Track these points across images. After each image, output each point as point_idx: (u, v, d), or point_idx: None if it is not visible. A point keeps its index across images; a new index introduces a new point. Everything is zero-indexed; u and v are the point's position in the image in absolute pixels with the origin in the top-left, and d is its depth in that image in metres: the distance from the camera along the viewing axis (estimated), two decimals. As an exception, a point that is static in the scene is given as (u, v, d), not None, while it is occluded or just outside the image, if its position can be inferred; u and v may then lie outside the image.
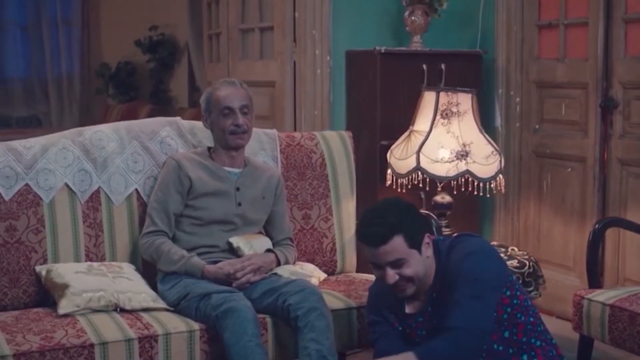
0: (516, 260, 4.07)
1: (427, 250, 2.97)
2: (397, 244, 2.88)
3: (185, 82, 8.54)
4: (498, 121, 5.17)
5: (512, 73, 5.08)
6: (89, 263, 3.45)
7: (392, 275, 2.91)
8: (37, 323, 3.11)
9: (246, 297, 3.26)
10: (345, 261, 3.98)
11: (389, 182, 4.24)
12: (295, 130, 5.02)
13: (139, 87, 9.22)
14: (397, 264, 2.90)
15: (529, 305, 3.09)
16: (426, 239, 2.96)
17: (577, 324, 3.60)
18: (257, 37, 5.32)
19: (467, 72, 5.03)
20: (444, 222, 4.22)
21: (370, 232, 2.90)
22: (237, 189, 3.56)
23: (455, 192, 4.10)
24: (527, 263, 4.06)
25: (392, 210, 2.94)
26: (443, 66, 4.90)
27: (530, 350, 3.02)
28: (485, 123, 5.10)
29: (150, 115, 8.30)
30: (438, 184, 4.09)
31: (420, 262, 2.93)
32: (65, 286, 3.23)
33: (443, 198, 4.21)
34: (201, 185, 3.51)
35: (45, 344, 2.94)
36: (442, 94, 4.14)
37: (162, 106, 8.46)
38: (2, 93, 8.96)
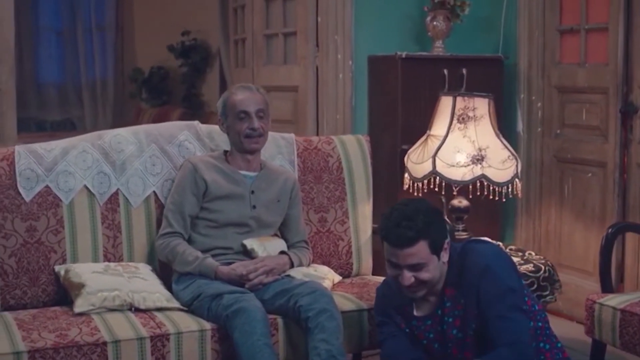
0: (532, 265, 4.08)
1: (445, 256, 2.98)
2: (421, 249, 2.90)
3: (217, 87, 8.61)
4: (520, 126, 5.18)
5: (533, 78, 5.09)
6: (106, 263, 3.53)
7: (408, 277, 2.93)
8: (53, 321, 3.19)
9: (258, 298, 3.32)
10: (361, 264, 4.02)
11: (406, 186, 4.27)
12: (317, 134, 5.07)
13: (171, 91, 9.32)
14: (417, 267, 2.92)
15: (536, 310, 3.11)
16: (445, 245, 2.98)
17: (589, 328, 3.62)
18: (280, 43, 5.39)
19: (489, 77, 5.05)
20: (461, 226, 4.25)
21: (397, 233, 2.90)
22: (252, 192, 3.62)
23: (470, 197, 4.12)
24: (543, 267, 4.07)
25: (421, 213, 2.94)
26: (464, 71, 4.91)
27: (540, 354, 3.06)
28: (507, 128, 5.14)
29: (181, 118, 8.41)
30: (454, 188, 4.11)
31: (437, 268, 2.96)
32: (81, 285, 3.31)
33: (460, 202, 4.23)
34: (216, 188, 3.57)
35: (59, 341, 3.02)
36: (458, 98, 4.17)
37: (194, 110, 8.55)
38: (37, 97, 9.12)
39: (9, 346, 2.97)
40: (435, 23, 5.06)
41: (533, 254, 4.30)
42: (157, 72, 9.26)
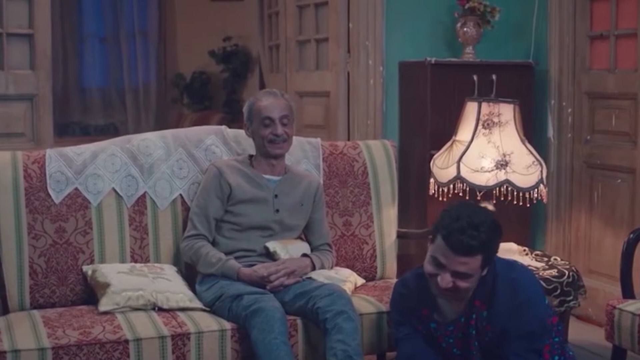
0: (556, 270, 4.08)
1: (486, 270, 2.99)
2: (476, 261, 2.91)
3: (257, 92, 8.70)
4: (550, 132, 5.18)
5: (564, 84, 5.09)
6: (132, 264, 3.62)
7: (448, 281, 2.92)
8: (78, 319, 3.28)
9: (279, 300, 3.39)
10: (386, 267, 4.07)
11: (432, 191, 4.30)
12: (348, 139, 5.13)
13: (212, 96, 9.43)
14: (462, 276, 2.92)
15: (553, 325, 3.14)
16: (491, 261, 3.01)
17: (609, 333, 3.62)
18: (313, 49, 5.45)
19: (519, 83, 5.07)
20: (486, 231, 4.26)
21: (461, 240, 2.87)
22: (276, 196, 3.68)
23: (494, 202, 4.14)
24: (567, 273, 4.07)
25: (487, 226, 2.92)
26: (494, 77, 4.94)
27: None
28: (538, 134, 5.16)
29: (220, 123, 8.51)
30: (478, 193, 4.14)
31: (477, 280, 2.97)
32: (107, 285, 3.41)
33: (486, 207, 4.25)
34: (240, 192, 3.65)
35: (82, 338, 3.11)
36: (484, 104, 4.20)
37: (233, 115, 8.64)
38: (81, 102, 9.27)
39: (34, 343, 3.07)
40: (465, 29, 5.08)
41: (558, 259, 4.31)
42: (199, 78, 9.37)
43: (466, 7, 5.05)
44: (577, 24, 5.02)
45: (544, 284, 3.96)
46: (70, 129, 9.06)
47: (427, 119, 4.93)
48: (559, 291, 4.01)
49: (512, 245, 4.46)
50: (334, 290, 3.36)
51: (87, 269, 3.56)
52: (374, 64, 5.13)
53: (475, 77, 4.94)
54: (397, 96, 5.22)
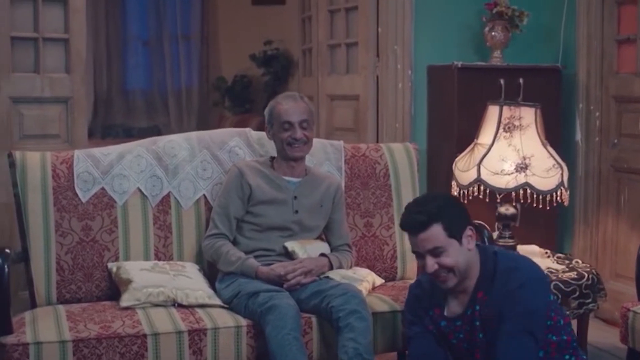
0: (575, 272, 4.12)
1: (470, 243, 3.07)
2: (436, 232, 3.02)
3: (297, 95, 8.80)
4: (578, 135, 5.20)
5: (591, 88, 5.10)
6: (155, 262, 3.73)
7: (432, 264, 3.04)
8: (100, 314, 3.40)
9: (295, 298, 3.48)
10: (406, 268, 4.13)
11: (455, 193, 4.36)
12: (377, 142, 5.20)
13: (253, 99, 9.55)
14: (436, 252, 3.02)
15: (561, 325, 3.15)
16: (468, 232, 3.08)
17: (624, 335, 3.65)
18: (343, 53, 5.53)
19: (546, 86, 5.10)
20: (507, 234, 4.31)
21: (410, 220, 3.06)
22: (295, 197, 3.77)
23: (514, 204, 4.18)
24: (587, 275, 4.11)
25: (432, 199, 3.12)
26: (521, 81, 4.97)
27: None
28: (566, 137, 5.18)
29: (259, 127, 8.63)
30: (497, 196, 4.19)
31: (460, 253, 3.05)
32: (129, 281, 3.53)
33: (507, 210, 4.30)
34: (260, 193, 3.74)
35: (102, 332, 3.23)
36: (505, 108, 4.25)
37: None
38: (125, 104, 9.47)
39: (55, 335, 3.19)
40: (493, 33, 5.13)
41: (580, 262, 4.34)
42: (240, 81, 9.50)
43: (494, 11, 5.10)
44: (605, 27, 5.03)
45: (562, 287, 4.02)
46: (113, 131, 9.25)
47: (453, 122, 4.98)
48: (577, 293, 4.06)
49: (535, 248, 4.51)
50: (347, 290, 3.43)
51: (112, 266, 3.68)
52: (403, 67, 5.20)
53: (502, 81, 4.97)
54: (425, 100, 5.28)
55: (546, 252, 4.45)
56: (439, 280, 3.08)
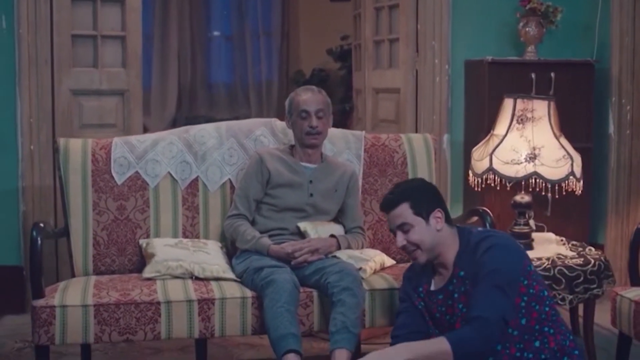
0: (582, 259, 4.29)
1: (438, 224, 3.35)
2: (403, 210, 3.35)
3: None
4: (611, 128, 5.35)
5: (623, 82, 5.25)
6: (179, 239, 4.11)
7: (401, 239, 3.38)
8: (123, 283, 3.80)
9: (300, 274, 3.81)
10: (419, 250, 4.38)
11: (471, 182, 4.59)
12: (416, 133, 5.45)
13: (331, 93, 9.82)
14: (404, 228, 3.35)
15: (544, 296, 3.35)
16: (436, 214, 3.36)
17: (613, 318, 3.83)
18: (386, 48, 5.81)
19: (579, 81, 5.28)
20: (522, 221, 4.52)
21: (385, 200, 3.45)
22: (310, 181, 4.09)
23: (522, 192, 4.40)
24: (594, 262, 4.28)
25: (406, 183, 3.60)
26: (552, 75, 5.17)
27: (543, 337, 3.28)
28: (598, 130, 5.35)
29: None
30: (507, 184, 4.41)
31: (426, 232, 3.34)
32: (152, 255, 3.92)
33: (522, 198, 4.51)
34: (278, 176, 4.07)
35: (121, 298, 3.63)
36: (518, 100, 4.46)
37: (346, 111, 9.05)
38: (208, 97, 9.92)
39: (80, 300, 3.60)
40: (527, 29, 5.33)
41: (593, 249, 4.50)
42: (318, 74, 9.82)
43: (527, 7, 5.29)
44: (637, 23, 5.18)
45: (566, 272, 4.22)
46: (197, 122, 9.64)
47: (485, 115, 5.20)
48: (582, 279, 4.23)
49: (551, 235, 4.71)
50: (344, 268, 3.74)
51: (143, 242, 4.08)
52: (440, 62, 5.45)
53: (533, 75, 5.18)
54: (462, 93, 5.51)
55: (561, 240, 4.63)
56: (411, 256, 3.38)
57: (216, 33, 9.95)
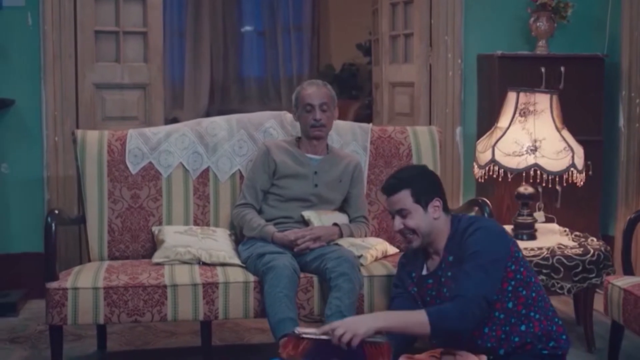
0: (582, 249, 4.39)
1: (435, 212, 3.45)
2: (403, 196, 3.43)
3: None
4: (621, 122, 5.43)
5: (633, 76, 5.32)
6: (190, 226, 4.30)
7: (398, 223, 3.46)
8: (133, 268, 4.00)
9: (301, 260, 3.98)
10: (424, 240, 4.52)
11: (475, 173, 4.71)
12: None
13: (361, 87, 10.02)
14: (402, 213, 3.44)
15: (532, 282, 3.46)
16: (435, 202, 3.45)
17: (606, 306, 3.94)
18: (402, 43, 5.94)
19: (589, 75, 5.36)
20: (525, 211, 4.63)
21: (386, 184, 3.51)
22: (315, 172, 4.25)
23: (531, 181, 4.51)
24: (593, 252, 4.38)
25: (409, 169, 3.66)
26: (562, 69, 5.27)
27: (529, 322, 3.38)
28: (608, 124, 5.43)
29: (357, 112, 9.15)
30: (509, 175, 4.53)
31: (423, 218, 3.43)
32: (162, 241, 4.11)
33: (526, 189, 4.63)
34: (284, 167, 4.24)
35: (129, 281, 3.82)
36: (521, 94, 4.57)
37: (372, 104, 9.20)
38: (240, 91, 10.14)
39: (91, 283, 3.81)
40: (538, 24, 5.42)
41: (595, 240, 4.60)
42: (348, 69, 9.99)
43: (538, 2, 5.39)
44: (646, 17, 5.25)
45: (564, 261, 4.33)
46: (229, 116, 9.93)
47: (496, 109, 5.30)
48: (580, 268, 4.34)
49: (555, 226, 4.82)
50: (342, 255, 3.89)
51: (155, 229, 4.28)
52: (453, 57, 5.56)
53: (543, 70, 5.28)
54: (475, 87, 5.63)
55: (565, 230, 4.74)
56: (405, 240, 3.49)
57: (248, 28, 10.17)
